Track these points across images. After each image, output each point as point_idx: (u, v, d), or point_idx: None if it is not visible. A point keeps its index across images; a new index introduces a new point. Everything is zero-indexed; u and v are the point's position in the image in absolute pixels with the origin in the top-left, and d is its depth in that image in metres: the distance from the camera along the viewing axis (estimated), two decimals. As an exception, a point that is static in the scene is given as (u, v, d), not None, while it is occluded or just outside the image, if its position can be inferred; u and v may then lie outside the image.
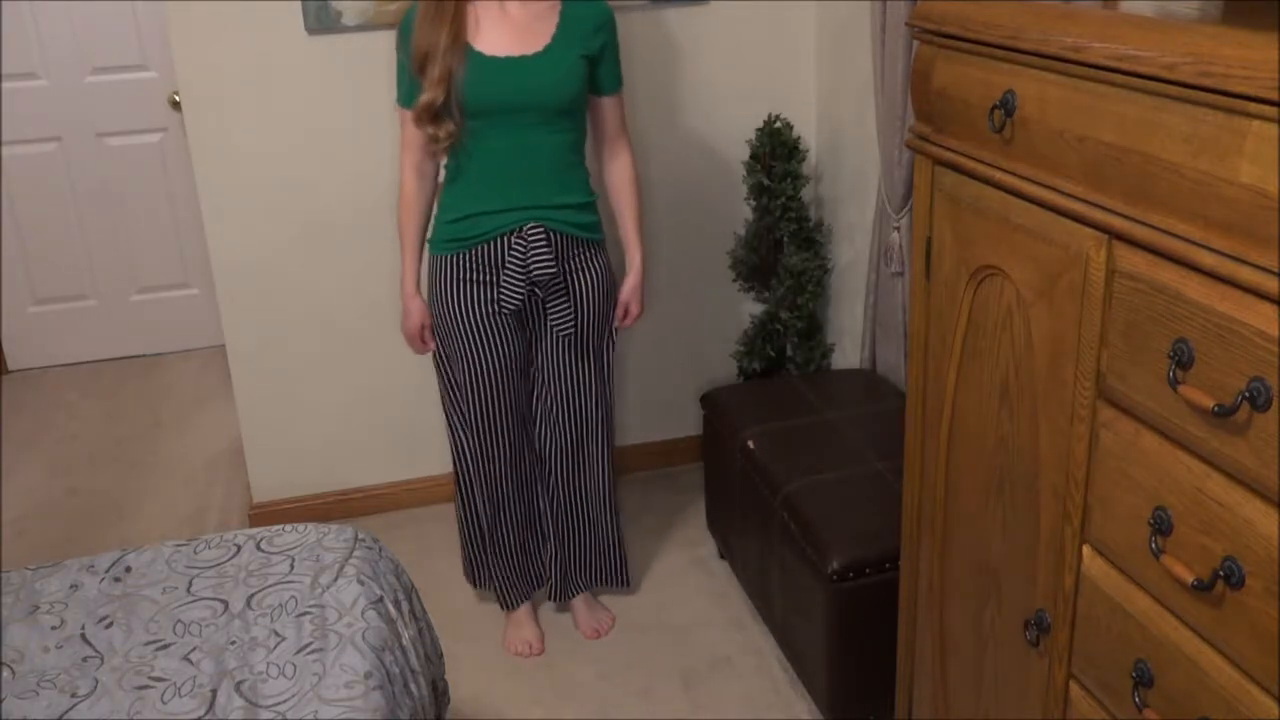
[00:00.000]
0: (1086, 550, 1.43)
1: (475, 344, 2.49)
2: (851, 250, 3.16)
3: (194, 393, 4.32)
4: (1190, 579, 1.20)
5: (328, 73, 2.98)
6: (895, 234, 2.68)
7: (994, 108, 1.48)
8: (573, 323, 2.52)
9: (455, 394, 2.58)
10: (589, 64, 2.37)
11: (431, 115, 2.31)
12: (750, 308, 3.42)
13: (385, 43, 2.98)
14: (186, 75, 2.92)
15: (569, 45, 2.33)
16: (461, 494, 2.72)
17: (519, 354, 2.55)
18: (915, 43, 1.73)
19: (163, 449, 3.91)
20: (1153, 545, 1.27)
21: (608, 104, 2.50)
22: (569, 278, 2.48)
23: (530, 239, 2.41)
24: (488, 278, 2.45)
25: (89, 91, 4.32)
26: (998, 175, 1.51)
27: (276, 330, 3.17)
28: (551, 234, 2.42)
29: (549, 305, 2.50)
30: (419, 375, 3.27)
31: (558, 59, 2.32)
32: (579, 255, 2.48)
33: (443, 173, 2.52)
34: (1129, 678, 1.35)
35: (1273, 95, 1.04)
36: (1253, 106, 1.07)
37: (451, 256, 2.45)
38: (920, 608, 1.94)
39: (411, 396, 3.30)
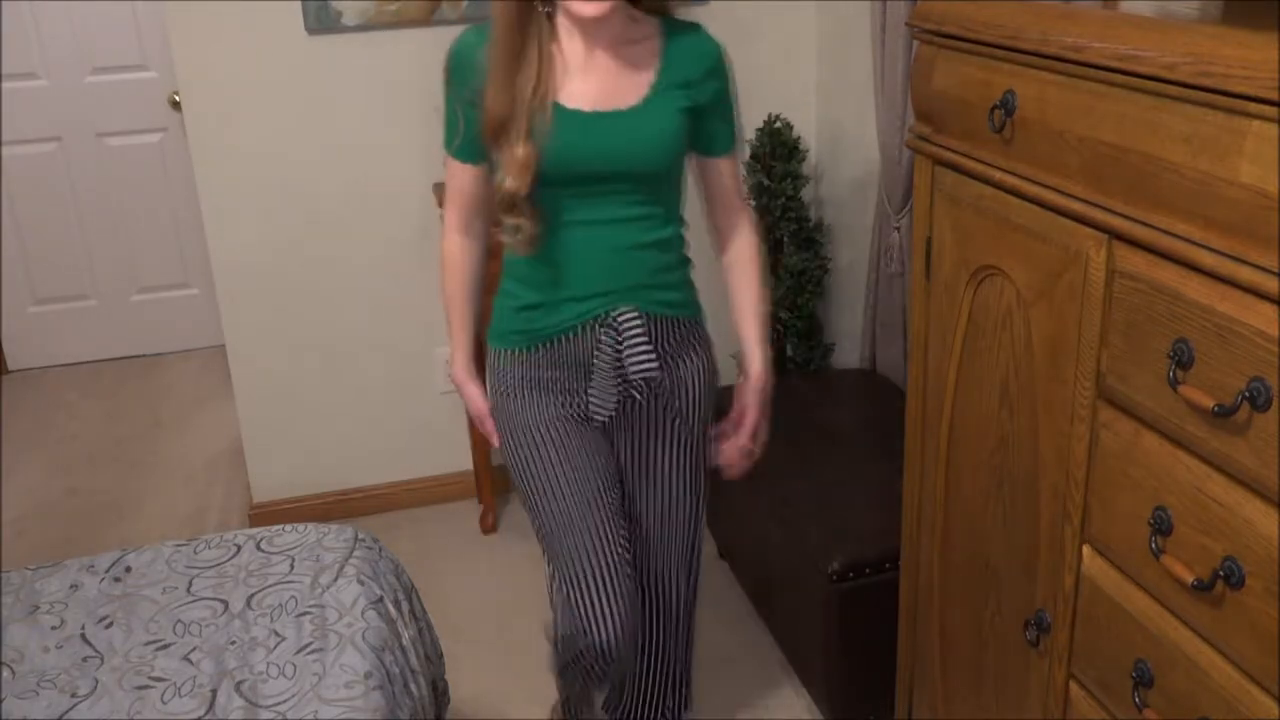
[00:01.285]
0: (1086, 550, 1.43)
1: (557, 468, 1.88)
2: (851, 250, 3.16)
3: (194, 393, 4.33)
4: (1190, 579, 1.20)
5: (328, 73, 2.98)
6: (895, 234, 2.68)
7: (994, 108, 1.48)
8: (683, 435, 1.96)
9: (541, 523, 1.92)
10: (693, 117, 1.79)
11: (512, 204, 1.72)
12: (750, 308, 3.42)
13: (385, 43, 2.98)
14: (186, 75, 2.92)
15: (671, 96, 1.76)
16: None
17: (609, 473, 1.92)
18: (915, 43, 1.73)
19: (163, 449, 3.91)
20: (1153, 545, 1.27)
21: (721, 167, 1.90)
22: (669, 371, 1.90)
23: (624, 328, 1.82)
24: (568, 381, 1.86)
25: (89, 91, 4.32)
26: (997, 175, 1.51)
27: (276, 330, 3.17)
28: (650, 320, 1.84)
29: (644, 409, 1.93)
30: (418, 374, 3.28)
31: (658, 114, 1.75)
32: (678, 338, 1.90)
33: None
34: (1129, 678, 1.35)
35: (1273, 95, 1.04)
36: (1253, 106, 1.07)
37: (518, 353, 1.87)
38: (920, 608, 1.94)
39: (412, 396, 3.30)
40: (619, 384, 1.85)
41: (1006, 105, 1.46)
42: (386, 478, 3.39)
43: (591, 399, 1.87)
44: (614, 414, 1.88)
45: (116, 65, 4.31)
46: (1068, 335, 1.41)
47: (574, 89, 1.73)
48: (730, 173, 1.92)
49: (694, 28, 1.80)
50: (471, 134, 1.76)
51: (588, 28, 1.70)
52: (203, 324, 4.55)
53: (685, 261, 1.91)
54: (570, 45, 1.73)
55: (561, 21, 1.72)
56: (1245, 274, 1.10)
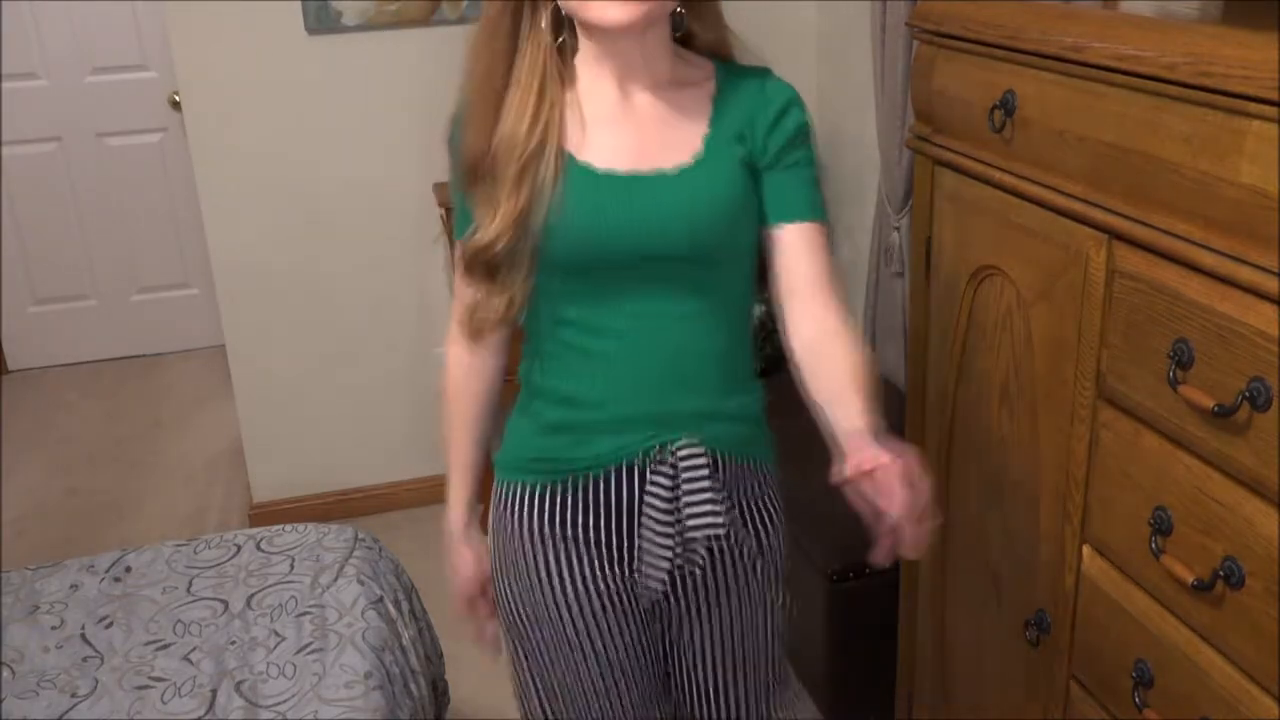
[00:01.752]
0: (1086, 550, 1.43)
1: (578, 650, 1.41)
2: (851, 250, 3.16)
3: (194, 393, 4.32)
4: (1190, 579, 1.20)
5: (328, 73, 2.98)
6: (895, 234, 2.67)
7: (994, 108, 1.48)
8: (761, 578, 1.46)
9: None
10: (756, 177, 1.32)
11: (488, 266, 1.29)
12: (750, 308, 3.42)
13: (385, 43, 2.98)
14: (186, 75, 2.92)
15: (730, 151, 1.30)
16: None
17: (650, 662, 1.46)
18: (915, 43, 1.73)
19: (163, 449, 3.91)
20: (1153, 545, 1.27)
21: (801, 239, 1.32)
22: (739, 528, 1.42)
23: (684, 467, 1.34)
24: (605, 535, 1.37)
25: (89, 91, 4.32)
26: (998, 175, 1.51)
27: (276, 330, 3.16)
28: (718, 459, 1.36)
29: (709, 572, 1.42)
30: (418, 374, 3.27)
31: (714, 175, 1.29)
32: (750, 489, 1.43)
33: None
34: (1129, 678, 1.35)
35: (1273, 95, 1.04)
36: (1253, 106, 1.07)
37: (536, 489, 1.39)
38: (920, 608, 1.94)
39: (412, 396, 3.29)
40: (676, 544, 1.35)
41: (1006, 105, 1.46)
42: (386, 478, 3.39)
43: (643, 566, 1.37)
44: (667, 586, 1.39)
45: (116, 65, 4.31)
46: (1068, 335, 1.41)
47: (601, 143, 1.28)
48: (806, 253, 1.31)
49: (761, 71, 1.36)
50: (462, 199, 1.35)
51: (620, 55, 1.28)
52: (203, 324, 4.55)
53: (755, 381, 1.43)
54: (597, 88, 1.30)
55: (584, 60, 1.30)
56: (1245, 274, 1.10)
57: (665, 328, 1.32)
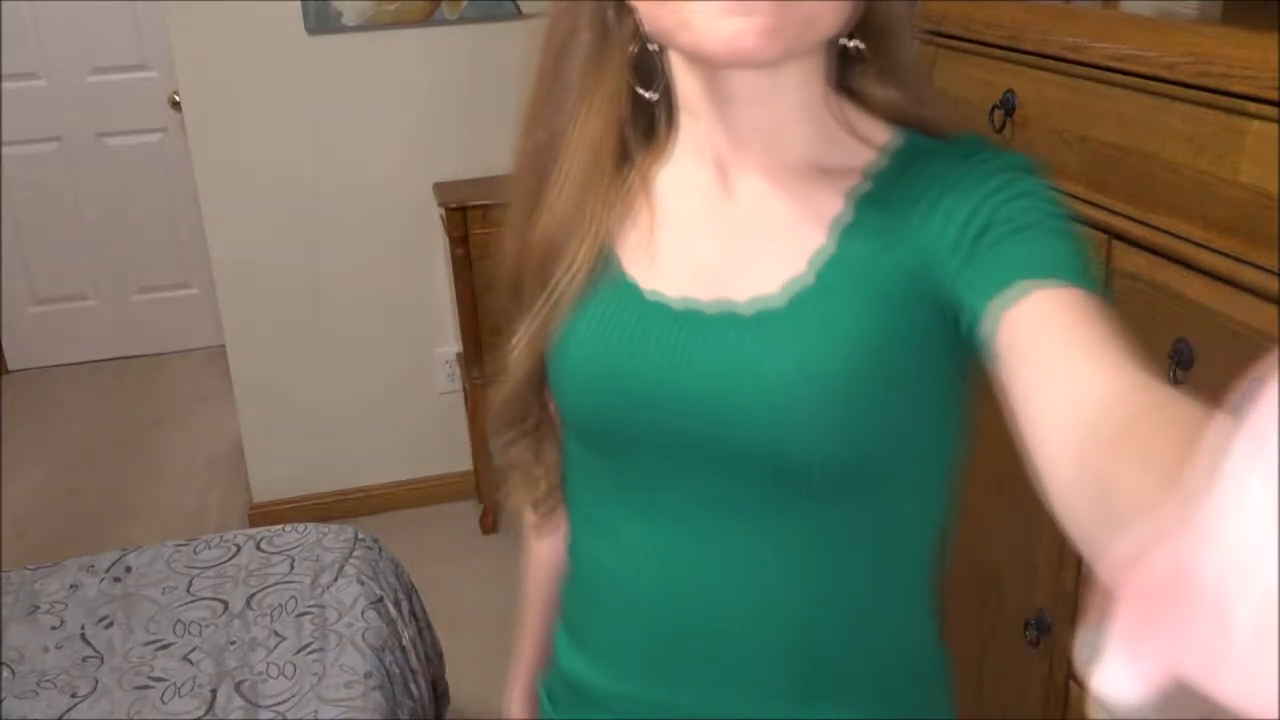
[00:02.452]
0: (1087, 550, 1.43)
1: None
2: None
3: (194, 392, 4.32)
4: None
5: (328, 73, 2.98)
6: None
7: (994, 107, 1.48)
8: None
9: None
10: (934, 301, 0.73)
11: (514, 414, 0.92)
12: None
13: (385, 43, 2.98)
14: (187, 75, 2.92)
15: (863, 276, 0.76)
16: None
17: None
18: (915, 42, 1.73)
19: (163, 449, 3.91)
20: (1153, 545, 1.27)
21: (1048, 307, 0.65)
22: None
23: None
24: None
25: (89, 91, 4.32)
26: (998, 175, 1.51)
27: (277, 330, 3.16)
28: None
29: None
30: (419, 374, 3.28)
31: (824, 323, 0.75)
32: None
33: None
34: (1129, 678, 1.34)
35: (1273, 95, 1.04)
36: (1253, 106, 1.07)
37: None
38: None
39: (412, 396, 3.30)
40: None
41: (1006, 105, 1.46)
42: (386, 478, 3.39)
43: None
44: None
45: (116, 65, 4.31)
46: (1068, 335, 1.41)
47: (665, 252, 0.82)
48: (1071, 313, 0.65)
49: (962, 144, 0.79)
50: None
51: (733, 109, 0.78)
52: (203, 324, 4.55)
53: (932, 674, 0.97)
54: (689, 170, 0.83)
55: (682, 120, 0.83)
56: (1246, 274, 1.10)
57: (712, 571, 0.80)
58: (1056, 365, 0.63)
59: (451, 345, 3.26)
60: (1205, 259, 1.15)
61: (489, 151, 3.04)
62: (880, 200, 0.77)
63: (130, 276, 4.57)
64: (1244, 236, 1.11)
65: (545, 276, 0.84)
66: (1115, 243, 1.30)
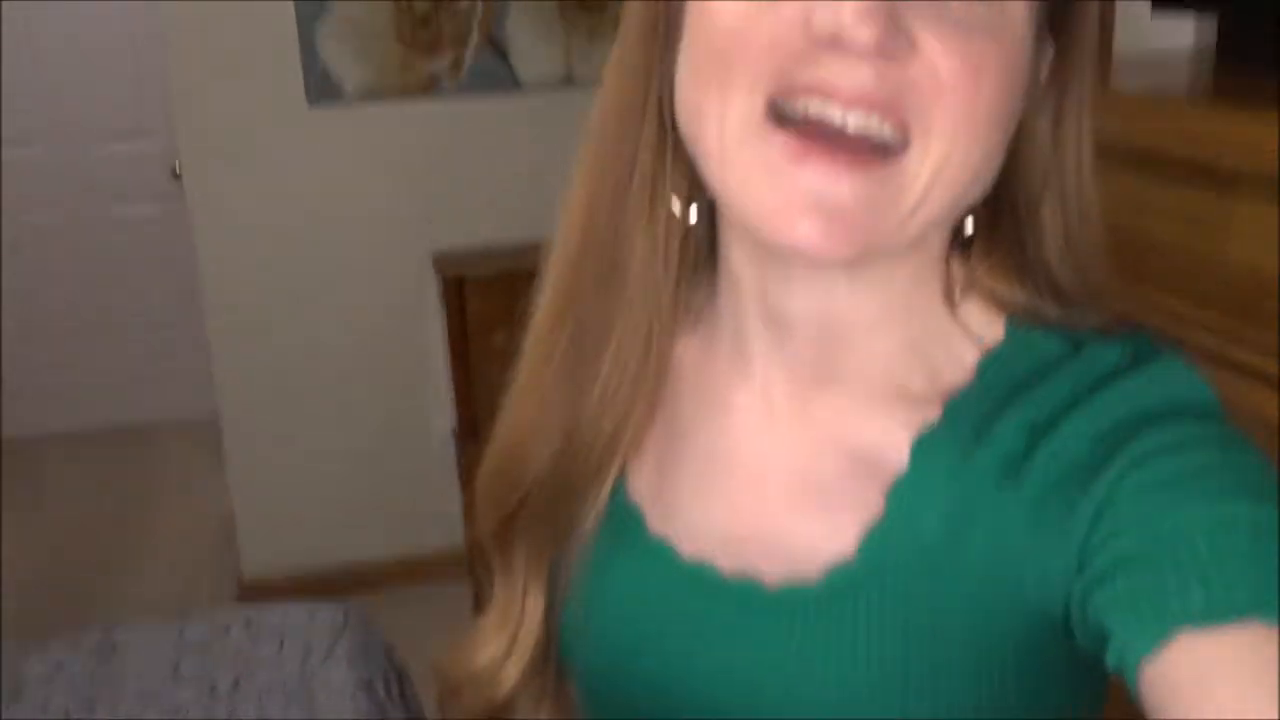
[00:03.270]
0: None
1: None
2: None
3: (186, 465, 4.30)
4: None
5: (328, 143, 3.00)
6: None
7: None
8: None
9: None
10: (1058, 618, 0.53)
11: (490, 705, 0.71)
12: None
13: (386, 113, 3.00)
14: (187, 144, 2.94)
15: (928, 568, 0.56)
16: None
17: None
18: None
19: (152, 522, 3.88)
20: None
21: (1217, 660, 0.45)
22: None
23: None
24: None
25: (91, 160, 4.35)
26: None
27: (271, 402, 3.15)
28: None
29: None
30: (415, 449, 3.26)
31: (871, 621, 0.56)
32: None
33: None
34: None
35: (1261, 173, 1.04)
36: (1242, 185, 1.07)
37: None
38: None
39: (406, 470, 3.27)
40: None
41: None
42: (381, 554, 3.35)
43: None
44: None
45: (118, 133, 4.35)
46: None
47: (682, 483, 0.65)
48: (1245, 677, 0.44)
49: (1121, 355, 0.57)
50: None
51: (796, 304, 0.60)
52: (196, 395, 4.53)
53: None
54: (725, 366, 0.65)
55: (723, 283, 0.64)
56: (1241, 354, 1.09)
57: None
58: None
59: (447, 419, 3.24)
60: (1198, 337, 1.14)
61: (488, 222, 3.05)
62: (955, 450, 0.57)
63: (126, 345, 4.57)
64: (1236, 315, 1.10)
65: (556, 510, 0.65)
66: (1108, 320, 1.29)
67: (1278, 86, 1.25)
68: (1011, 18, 0.53)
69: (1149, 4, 1.67)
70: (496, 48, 3.00)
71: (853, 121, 0.51)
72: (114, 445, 4.53)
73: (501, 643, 0.68)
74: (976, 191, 0.56)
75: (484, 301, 2.82)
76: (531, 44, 3.00)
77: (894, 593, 0.56)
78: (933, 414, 0.58)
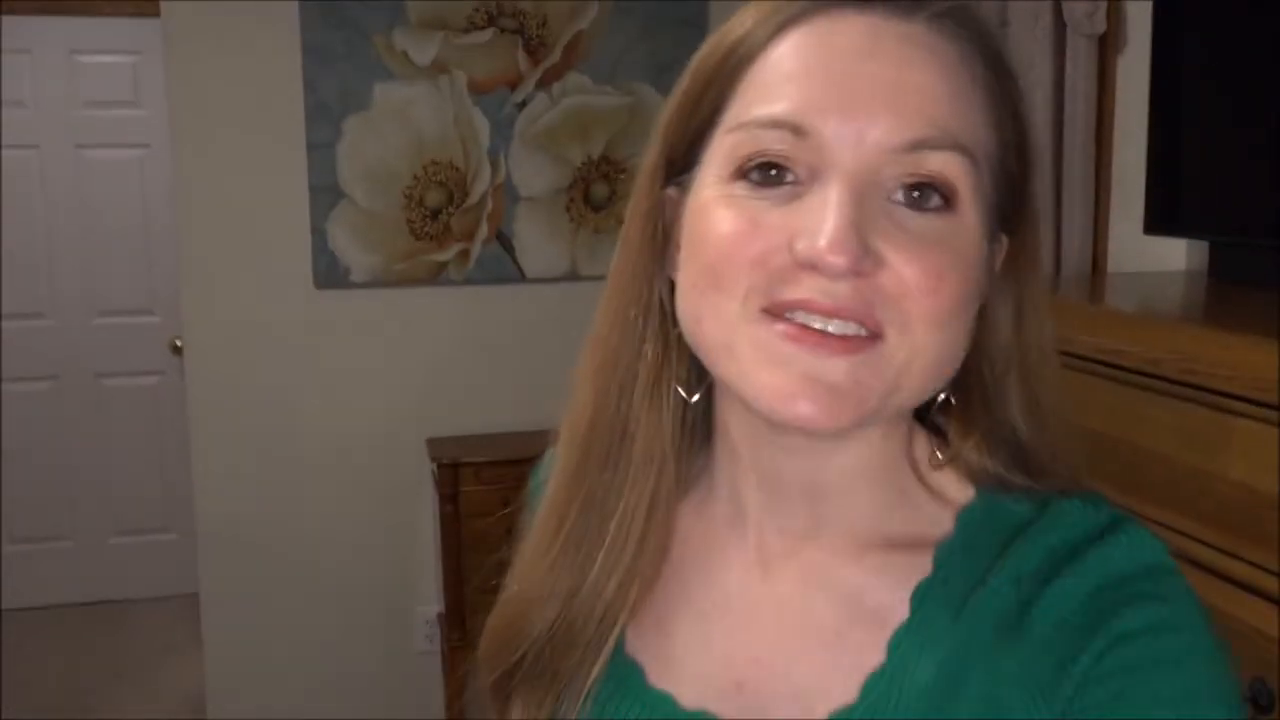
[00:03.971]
0: None
1: None
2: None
3: (160, 643, 4.18)
4: None
5: (332, 326, 3.05)
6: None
7: (984, 392, 1.50)
8: None
9: None
10: None
11: None
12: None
13: (391, 300, 3.06)
14: (192, 321, 2.98)
15: (935, 703, 0.61)
16: None
17: None
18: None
19: (121, 703, 3.75)
20: None
21: None
22: None
23: None
24: None
25: (92, 333, 4.40)
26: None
27: (253, 581, 3.09)
28: None
29: None
30: (398, 631, 3.19)
31: None
32: None
33: None
34: None
35: (1258, 396, 1.06)
36: (1239, 405, 1.09)
37: None
38: None
39: (389, 654, 3.19)
40: None
41: (996, 390, 1.48)
42: (354, 740, 3.24)
43: None
44: None
45: (122, 309, 4.41)
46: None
47: (679, 636, 0.70)
48: None
49: (1074, 516, 0.66)
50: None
51: (786, 467, 0.67)
52: (177, 570, 4.46)
53: None
54: (719, 524, 0.71)
55: (718, 449, 0.71)
56: (1241, 570, 1.09)
57: None
58: None
59: (433, 604, 3.19)
60: (1200, 553, 1.14)
61: (484, 409, 3.08)
62: (951, 589, 0.63)
63: (110, 519, 4.51)
64: (1237, 532, 1.10)
65: (556, 667, 0.69)
66: (1108, 532, 1.29)
67: (1270, 308, 1.29)
68: (964, 226, 0.61)
69: (1141, 226, 1.74)
70: (504, 242, 3.09)
71: (833, 328, 0.59)
72: (89, 619, 4.41)
73: None
74: (947, 372, 0.63)
75: (477, 487, 2.81)
76: (538, 240, 3.10)
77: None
78: (921, 563, 0.65)
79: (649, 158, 0.67)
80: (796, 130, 0.59)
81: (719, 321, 0.61)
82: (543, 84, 3.05)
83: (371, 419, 3.10)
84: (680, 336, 0.66)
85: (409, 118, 2.99)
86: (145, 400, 4.47)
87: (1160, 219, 1.70)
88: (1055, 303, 1.48)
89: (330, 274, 3.01)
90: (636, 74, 3.08)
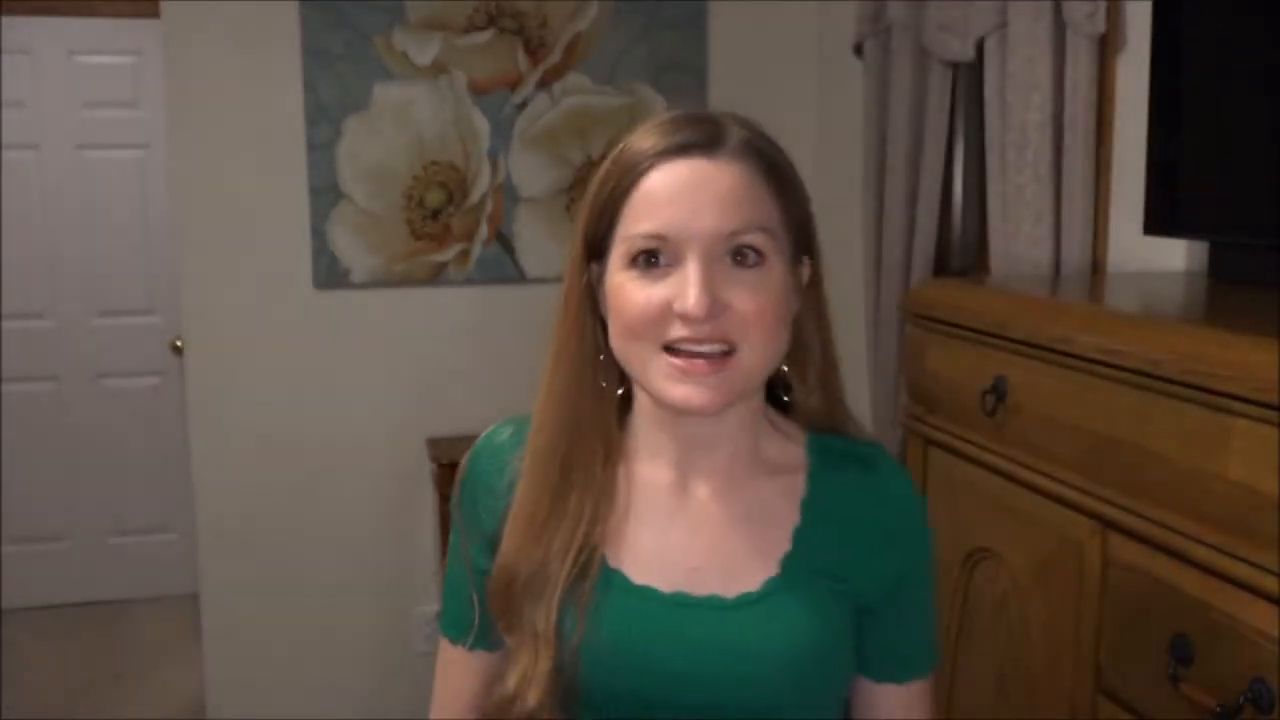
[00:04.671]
0: None
1: None
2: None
3: (160, 643, 4.18)
4: None
5: (332, 326, 3.05)
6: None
7: (985, 392, 1.51)
8: None
9: None
10: (860, 616, 1.07)
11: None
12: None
13: (390, 300, 3.07)
14: (192, 321, 2.98)
15: (818, 575, 1.04)
16: None
17: None
18: (907, 325, 1.78)
19: (120, 704, 3.75)
20: None
21: (894, 703, 1.10)
22: None
23: None
24: None
25: (92, 333, 4.40)
26: (990, 458, 1.53)
27: (253, 581, 3.10)
28: None
29: None
30: (396, 632, 3.19)
31: (791, 613, 1.02)
32: None
33: None
34: None
35: (1257, 396, 1.06)
36: (1238, 405, 1.09)
37: None
38: None
39: (387, 655, 3.20)
40: None
41: (998, 390, 1.49)
42: (354, 740, 3.25)
43: None
44: None
45: (122, 309, 4.41)
46: (1065, 624, 1.38)
47: (644, 547, 1.04)
48: (910, 706, 1.10)
49: (869, 456, 1.09)
50: (485, 601, 1.08)
51: (686, 429, 1.05)
52: (177, 570, 4.46)
53: None
54: (651, 470, 1.07)
55: (640, 424, 1.08)
56: (1241, 571, 1.09)
57: None
58: None
59: (432, 604, 3.19)
60: (1200, 553, 1.15)
61: (484, 409, 3.05)
62: (820, 509, 1.06)
63: (111, 519, 4.52)
64: (1237, 532, 1.10)
65: (554, 587, 1.02)
66: (1110, 532, 1.29)
67: (1270, 308, 1.29)
68: (773, 272, 1.00)
69: (1141, 226, 1.75)
70: (504, 242, 3.09)
71: (704, 349, 0.97)
72: (89, 618, 4.42)
73: (517, 677, 1.01)
74: (777, 363, 1.04)
75: (477, 488, 2.81)
76: (538, 240, 3.10)
77: (807, 587, 1.03)
78: (795, 480, 1.08)
79: (574, 248, 1.06)
80: (661, 238, 0.98)
81: (638, 357, 1.00)
82: (543, 84, 3.05)
83: (371, 419, 3.10)
84: (607, 355, 1.05)
85: (409, 118, 2.99)
86: (145, 400, 4.47)
87: (1160, 219, 1.71)
88: (1055, 303, 1.49)
89: (330, 274, 3.01)
90: (636, 74, 3.08)
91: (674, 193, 0.98)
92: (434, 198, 3.04)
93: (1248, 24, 1.55)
